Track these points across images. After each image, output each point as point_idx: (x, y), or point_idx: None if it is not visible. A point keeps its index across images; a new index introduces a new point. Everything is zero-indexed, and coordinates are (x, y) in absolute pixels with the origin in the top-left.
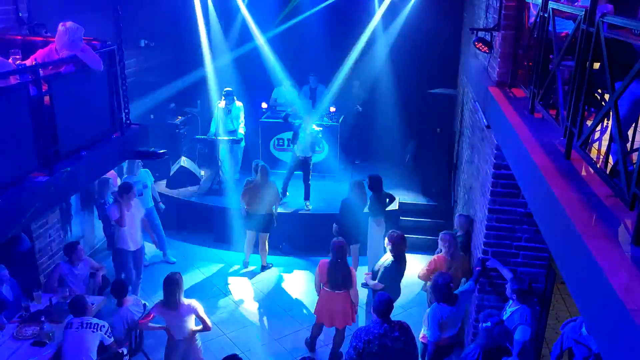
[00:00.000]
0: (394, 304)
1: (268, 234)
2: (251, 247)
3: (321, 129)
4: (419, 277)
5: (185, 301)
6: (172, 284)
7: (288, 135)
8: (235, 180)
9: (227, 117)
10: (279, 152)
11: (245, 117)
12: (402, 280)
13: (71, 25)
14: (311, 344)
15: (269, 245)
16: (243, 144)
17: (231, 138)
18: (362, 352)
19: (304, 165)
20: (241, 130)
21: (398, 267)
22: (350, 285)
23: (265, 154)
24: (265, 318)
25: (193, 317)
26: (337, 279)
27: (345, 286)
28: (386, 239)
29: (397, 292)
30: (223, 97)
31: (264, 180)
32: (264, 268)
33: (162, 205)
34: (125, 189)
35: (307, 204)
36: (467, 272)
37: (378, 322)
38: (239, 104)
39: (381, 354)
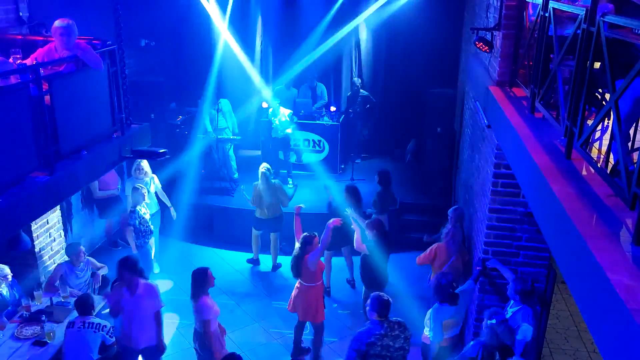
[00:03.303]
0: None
1: (278, 232)
2: (258, 244)
3: (290, 111)
4: (417, 262)
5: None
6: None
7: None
8: (235, 180)
9: (218, 115)
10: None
11: (245, 117)
12: (402, 281)
13: (60, 23)
14: (295, 349)
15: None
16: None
17: (231, 137)
18: (366, 354)
19: (283, 144)
20: (233, 129)
21: (383, 246)
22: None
23: (266, 154)
24: (265, 318)
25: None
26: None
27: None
28: (366, 230)
29: (385, 276)
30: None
31: (265, 185)
32: (275, 267)
33: (173, 212)
34: (125, 266)
35: (291, 182)
36: (465, 264)
37: (378, 323)
38: (226, 104)
39: (384, 355)
